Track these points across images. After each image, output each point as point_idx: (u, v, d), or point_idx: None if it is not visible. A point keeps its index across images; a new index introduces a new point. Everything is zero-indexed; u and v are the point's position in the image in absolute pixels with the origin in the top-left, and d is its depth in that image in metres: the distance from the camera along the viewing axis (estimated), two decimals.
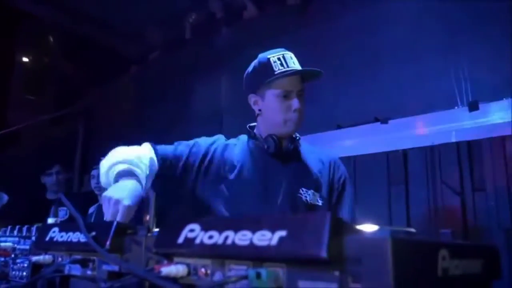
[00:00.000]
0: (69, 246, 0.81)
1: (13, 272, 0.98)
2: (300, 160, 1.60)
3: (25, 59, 5.90)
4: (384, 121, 2.95)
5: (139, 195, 1.25)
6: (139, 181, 1.28)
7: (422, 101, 2.83)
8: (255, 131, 1.65)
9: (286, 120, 1.53)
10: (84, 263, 0.79)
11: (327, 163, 1.63)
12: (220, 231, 0.58)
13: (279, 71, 1.49)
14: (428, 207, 2.64)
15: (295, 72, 1.51)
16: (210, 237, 0.59)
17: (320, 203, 1.53)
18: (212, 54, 4.34)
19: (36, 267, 0.90)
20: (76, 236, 0.80)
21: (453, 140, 2.65)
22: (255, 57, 1.57)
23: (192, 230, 0.62)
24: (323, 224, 0.50)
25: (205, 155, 1.56)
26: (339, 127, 3.16)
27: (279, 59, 1.52)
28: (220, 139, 1.67)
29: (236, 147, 1.64)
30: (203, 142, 1.62)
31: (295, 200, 1.51)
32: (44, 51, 5.95)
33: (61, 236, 0.84)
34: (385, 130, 2.94)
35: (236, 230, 0.57)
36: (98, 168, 3.50)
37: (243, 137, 1.68)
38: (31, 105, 5.54)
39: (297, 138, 1.60)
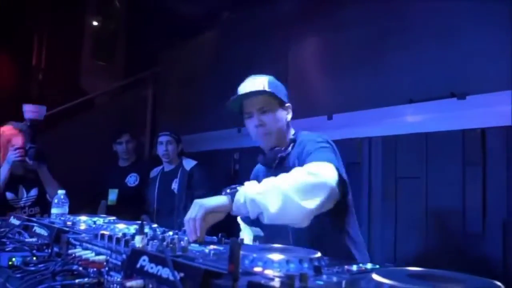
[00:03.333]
0: (159, 280, 0.89)
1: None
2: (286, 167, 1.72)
3: (95, 23, 6.12)
4: (462, 96, 2.80)
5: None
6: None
7: (505, 75, 2.64)
8: None
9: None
10: None
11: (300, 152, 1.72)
12: None
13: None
14: (507, 190, 2.53)
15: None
16: None
17: None
18: (281, 15, 4.23)
19: None
20: (165, 272, 0.88)
21: None
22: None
23: None
24: None
25: None
26: (411, 101, 3.04)
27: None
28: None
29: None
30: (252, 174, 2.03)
31: None
32: (112, 16, 6.13)
33: (151, 268, 0.92)
34: (462, 106, 2.80)
35: None
36: (165, 135, 3.70)
37: None
38: (103, 71, 5.80)
39: (282, 148, 1.79)
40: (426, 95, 2.96)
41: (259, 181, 1.52)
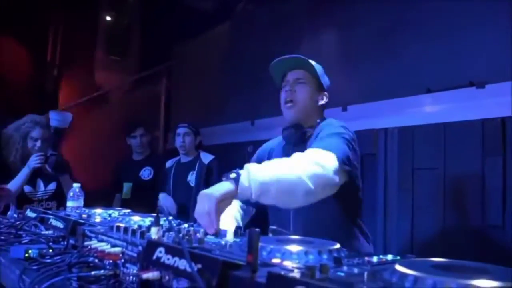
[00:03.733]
0: (176, 271, 0.87)
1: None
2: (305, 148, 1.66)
3: (108, 18, 6.13)
4: (481, 85, 2.73)
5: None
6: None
7: None
8: None
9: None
10: None
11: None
12: None
13: None
14: None
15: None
16: None
17: None
18: (295, 6, 4.16)
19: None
20: (182, 264, 0.86)
21: None
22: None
23: None
24: None
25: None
26: (429, 91, 2.97)
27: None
28: (278, 139, 1.96)
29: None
30: (261, 149, 2.01)
31: None
32: (125, 11, 6.13)
33: (168, 259, 0.91)
34: (481, 95, 2.73)
35: None
36: (183, 127, 3.69)
37: None
38: (117, 66, 5.81)
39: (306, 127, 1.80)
40: (444, 84, 2.90)
41: (270, 158, 1.51)
